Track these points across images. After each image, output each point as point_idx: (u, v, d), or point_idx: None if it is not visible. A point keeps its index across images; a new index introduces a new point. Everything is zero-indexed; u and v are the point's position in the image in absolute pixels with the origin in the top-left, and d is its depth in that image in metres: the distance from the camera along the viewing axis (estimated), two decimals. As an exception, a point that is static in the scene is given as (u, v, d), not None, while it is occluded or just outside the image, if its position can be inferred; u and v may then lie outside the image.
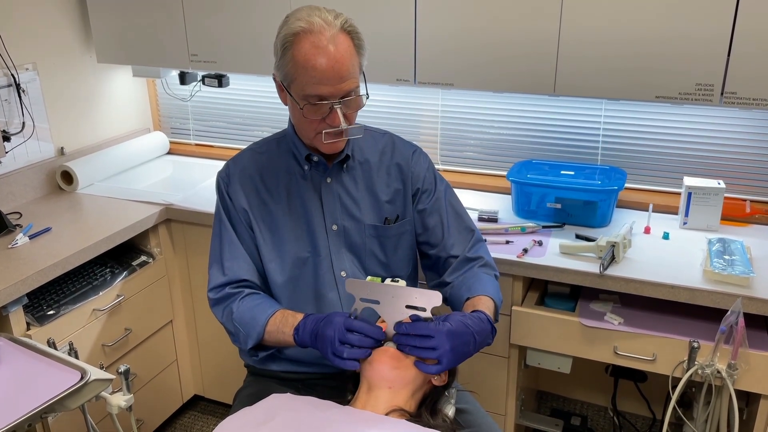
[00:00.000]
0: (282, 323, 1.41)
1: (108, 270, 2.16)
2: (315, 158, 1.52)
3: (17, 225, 2.13)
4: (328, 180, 1.54)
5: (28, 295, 1.85)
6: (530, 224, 2.04)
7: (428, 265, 1.64)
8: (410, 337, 1.21)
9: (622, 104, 2.20)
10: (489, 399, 2.07)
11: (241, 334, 1.46)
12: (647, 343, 1.76)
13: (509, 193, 2.22)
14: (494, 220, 2.10)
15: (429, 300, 1.24)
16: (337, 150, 1.47)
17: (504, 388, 2.05)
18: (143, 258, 2.26)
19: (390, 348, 1.25)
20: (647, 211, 2.08)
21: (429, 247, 1.61)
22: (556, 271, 1.82)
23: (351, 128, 1.43)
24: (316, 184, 1.54)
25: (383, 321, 1.29)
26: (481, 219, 2.11)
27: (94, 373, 1.51)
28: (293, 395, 1.28)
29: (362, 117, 2.75)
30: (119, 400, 1.60)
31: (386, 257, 1.57)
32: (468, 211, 2.16)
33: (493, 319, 1.38)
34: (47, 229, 2.10)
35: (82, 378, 1.48)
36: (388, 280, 1.31)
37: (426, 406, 1.27)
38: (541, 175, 2.18)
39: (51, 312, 1.93)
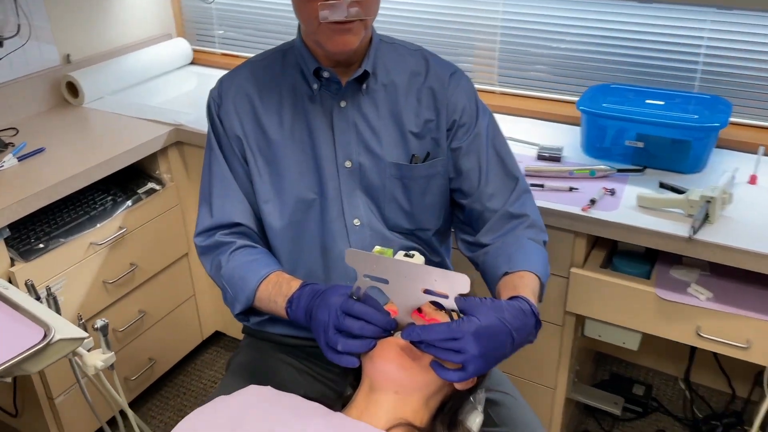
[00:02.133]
0: (275, 290, 1.12)
1: (110, 198, 1.91)
2: (326, 73, 1.19)
3: (9, 143, 1.89)
4: (342, 104, 1.21)
5: (11, 226, 1.63)
6: (602, 166, 1.64)
7: (461, 219, 1.30)
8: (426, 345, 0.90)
9: (734, 15, 1.71)
10: (537, 370, 1.77)
11: (228, 294, 1.19)
12: (741, 325, 1.39)
13: (578, 125, 1.82)
14: (557, 159, 1.72)
15: (452, 285, 0.91)
16: (347, 47, 1.12)
17: (555, 359, 1.74)
18: (151, 185, 2.00)
19: (400, 340, 0.94)
20: (755, 154, 1.65)
21: (462, 196, 1.26)
22: (630, 231, 1.44)
23: (354, 10, 1.08)
24: (327, 108, 1.21)
25: (393, 304, 0.97)
26: (540, 157, 1.73)
27: (62, 330, 1.27)
28: (274, 392, 0.99)
29: (401, 29, 2.34)
30: (95, 359, 1.37)
31: (410, 205, 1.24)
32: (527, 146, 1.81)
33: (538, 302, 1.04)
34: (40, 150, 1.86)
35: (45, 337, 1.25)
36: (400, 254, 0.98)
37: (443, 418, 0.97)
38: (620, 104, 1.76)
39: (40, 246, 1.70)
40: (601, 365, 2.26)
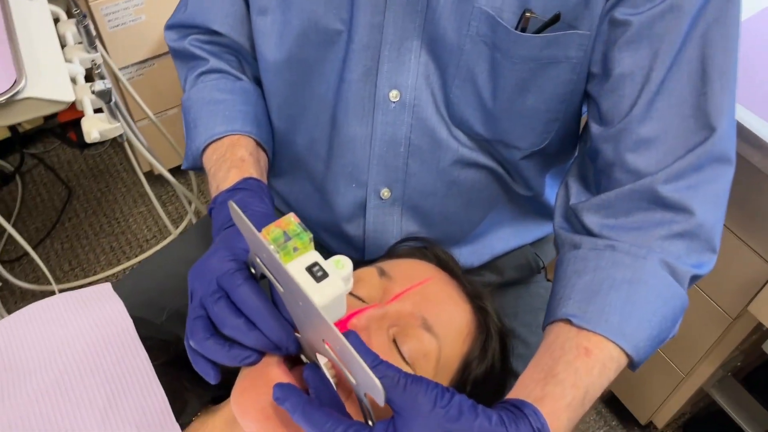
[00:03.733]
0: (216, 166, 0.71)
1: None
2: None
3: None
4: None
5: None
6: None
7: (577, 162, 0.71)
8: None
9: None
10: (676, 345, 1.22)
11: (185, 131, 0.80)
12: None
13: None
14: None
15: (358, 377, 0.44)
16: None
17: (703, 348, 1.17)
18: None
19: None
20: None
21: (594, 119, 0.67)
22: None
23: None
24: None
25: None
26: None
27: (42, 85, 0.99)
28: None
29: None
30: (92, 125, 1.09)
31: (495, 100, 0.68)
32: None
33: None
34: None
35: (13, 85, 0.98)
36: (309, 252, 0.48)
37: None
38: None
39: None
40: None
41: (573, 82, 0.66)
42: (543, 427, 0.48)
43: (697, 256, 0.62)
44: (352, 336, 0.46)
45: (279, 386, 0.47)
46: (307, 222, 0.85)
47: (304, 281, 0.46)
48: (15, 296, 1.67)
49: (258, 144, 0.74)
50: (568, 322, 0.57)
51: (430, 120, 0.71)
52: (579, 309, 0.57)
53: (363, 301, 0.58)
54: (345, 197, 0.76)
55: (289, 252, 0.48)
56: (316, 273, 0.46)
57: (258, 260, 0.51)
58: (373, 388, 0.43)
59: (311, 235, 0.48)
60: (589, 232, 0.64)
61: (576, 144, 0.76)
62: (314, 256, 0.48)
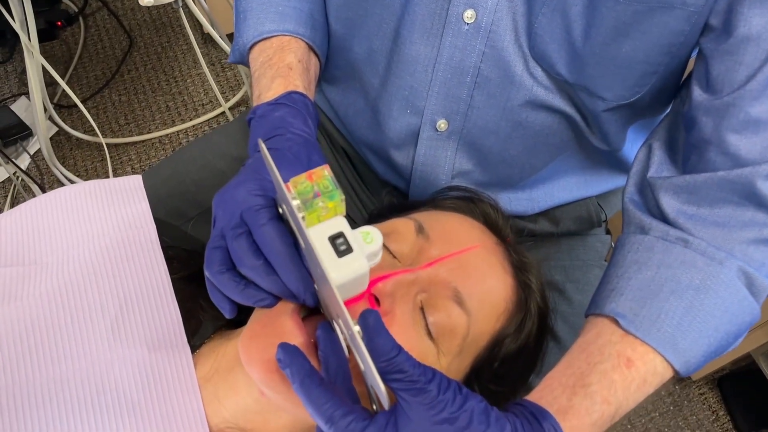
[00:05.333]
0: (263, 68, 0.64)
1: None
2: None
3: None
4: None
5: None
6: None
7: (668, 123, 0.61)
8: None
9: None
10: None
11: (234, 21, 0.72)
12: None
13: None
14: None
15: (372, 379, 0.39)
16: None
17: (765, 316, 1.09)
18: None
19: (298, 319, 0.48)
20: None
21: (697, 84, 0.56)
22: None
23: None
24: None
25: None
26: None
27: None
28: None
29: None
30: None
31: (586, 41, 0.58)
32: None
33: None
34: None
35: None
36: (336, 217, 0.42)
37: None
38: None
39: None
40: None
41: (684, 34, 0.55)
42: None
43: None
44: (372, 317, 0.41)
45: (284, 347, 0.43)
46: (356, 138, 0.78)
47: (325, 253, 0.40)
48: (71, 143, 1.69)
49: (310, 48, 0.66)
50: (615, 321, 0.51)
51: (506, 50, 0.61)
52: (630, 310, 0.51)
53: (395, 258, 0.53)
54: (397, 122, 0.69)
55: (315, 211, 0.42)
56: (339, 246, 0.41)
57: (284, 207, 0.46)
58: (378, 390, 0.38)
59: (343, 196, 0.42)
60: (662, 216, 0.56)
61: (672, 100, 0.65)
62: (341, 224, 0.42)
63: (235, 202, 0.49)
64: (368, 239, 0.43)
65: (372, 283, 0.49)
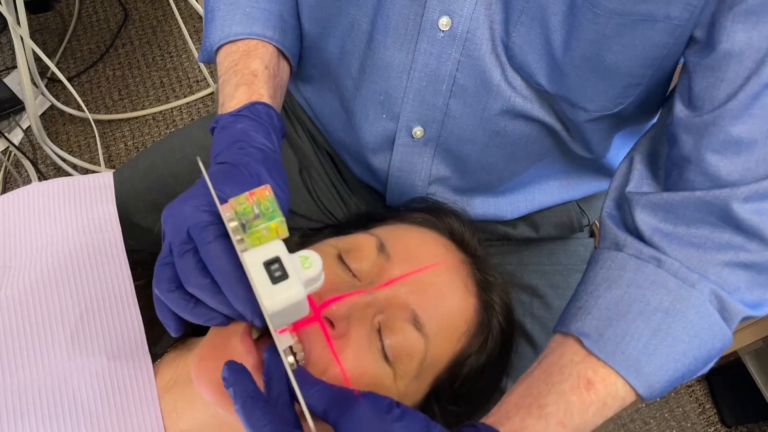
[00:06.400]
0: (228, 75, 0.62)
1: None
2: None
3: None
4: None
5: None
6: None
7: (652, 134, 0.59)
8: None
9: None
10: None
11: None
12: None
13: None
14: None
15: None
16: None
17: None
18: None
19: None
20: None
21: (679, 99, 0.54)
22: None
23: None
24: None
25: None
26: None
27: None
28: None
29: None
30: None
31: (566, 49, 0.55)
32: None
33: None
34: None
35: None
36: (274, 240, 0.40)
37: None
38: None
39: None
40: None
41: (668, 47, 0.53)
42: None
43: (760, 293, 0.51)
44: (298, 374, 0.41)
45: (229, 366, 0.42)
46: (333, 139, 0.76)
47: (259, 278, 0.39)
48: (64, 118, 1.67)
49: (280, 52, 0.64)
50: (580, 341, 0.50)
51: (482, 59, 0.58)
52: (596, 330, 0.50)
53: (354, 277, 0.52)
54: (373, 126, 0.67)
55: (254, 233, 0.40)
56: (275, 272, 0.39)
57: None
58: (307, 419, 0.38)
59: (282, 219, 0.41)
60: (638, 233, 0.54)
61: (660, 109, 0.63)
62: (278, 248, 0.40)
63: (182, 217, 0.47)
64: (306, 264, 0.41)
65: (326, 303, 0.48)
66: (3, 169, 1.55)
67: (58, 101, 1.64)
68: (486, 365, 0.56)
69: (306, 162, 0.80)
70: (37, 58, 1.50)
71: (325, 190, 0.80)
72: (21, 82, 1.36)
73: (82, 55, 1.76)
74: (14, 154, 1.55)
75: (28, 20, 1.33)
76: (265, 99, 0.57)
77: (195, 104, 1.71)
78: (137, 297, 0.57)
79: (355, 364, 0.46)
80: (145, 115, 1.68)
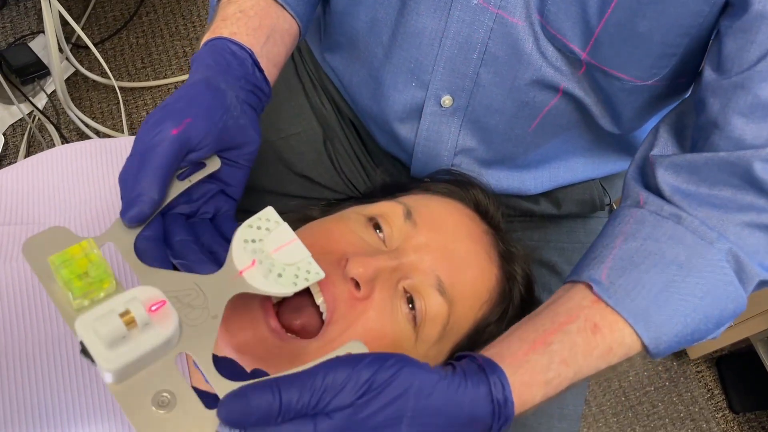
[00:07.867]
0: (220, 19, 0.60)
1: None
2: None
3: None
4: None
5: None
6: None
7: (680, 108, 0.59)
8: None
9: None
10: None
11: None
12: None
13: None
14: None
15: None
16: None
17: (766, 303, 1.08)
18: None
19: None
20: None
21: (708, 64, 0.54)
22: None
23: None
24: None
25: None
26: None
27: None
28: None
29: None
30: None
31: (601, 14, 0.55)
32: None
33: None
34: None
35: None
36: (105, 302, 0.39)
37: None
38: None
39: None
40: None
41: (703, 15, 0.53)
42: (505, 401, 0.42)
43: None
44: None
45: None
46: (359, 108, 0.76)
47: (95, 348, 0.36)
48: (87, 84, 1.68)
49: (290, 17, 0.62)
50: (590, 287, 0.50)
51: (515, 27, 0.59)
52: (607, 277, 0.50)
53: (382, 242, 0.53)
54: (402, 94, 0.67)
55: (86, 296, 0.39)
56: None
57: None
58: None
59: (113, 281, 0.40)
60: (659, 193, 0.54)
61: (682, 84, 0.63)
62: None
63: (159, 141, 0.47)
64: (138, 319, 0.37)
65: (352, 267, 0.49)
66: (27, 132, 1.57)
67: (83, 67, 1.65)
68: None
69: (330, 133, 0.80)
70: (63, 23, 1.51)
71: (348, 161, 0.80)
72: (47, 46, 1.37)
73: (106, 22, 1.77)
74: (38, 118, 1.57)
75: (54, -15, 1.34)
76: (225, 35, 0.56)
77: (217, 75, 1.72)
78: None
79: (376, 325, 0.47)
80: (167, 84, 1.70)
